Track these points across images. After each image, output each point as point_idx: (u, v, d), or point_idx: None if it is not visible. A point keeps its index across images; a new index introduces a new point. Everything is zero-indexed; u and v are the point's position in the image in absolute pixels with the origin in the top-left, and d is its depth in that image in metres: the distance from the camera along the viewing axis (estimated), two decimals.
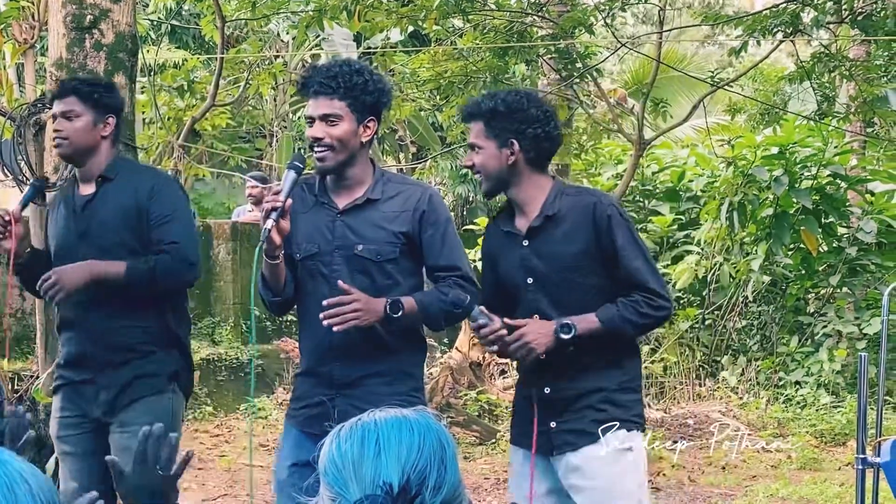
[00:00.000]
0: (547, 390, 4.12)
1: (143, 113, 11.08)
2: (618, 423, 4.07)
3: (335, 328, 3.97)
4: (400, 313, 4.01)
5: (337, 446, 1.97)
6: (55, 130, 4.56)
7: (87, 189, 4.59)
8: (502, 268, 4.22)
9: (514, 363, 4.71)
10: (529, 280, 4.14)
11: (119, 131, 4.69)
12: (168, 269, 4.45)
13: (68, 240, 4.55)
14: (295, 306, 4.40)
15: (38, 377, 6.46)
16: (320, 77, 4.14)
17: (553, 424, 4.09)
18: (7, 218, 4.42)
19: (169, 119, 10.25)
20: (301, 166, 4.13)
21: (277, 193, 4.00)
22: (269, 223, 3.93)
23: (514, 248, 4.19)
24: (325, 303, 3.99)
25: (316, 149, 4.12)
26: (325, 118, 4.10)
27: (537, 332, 3.99)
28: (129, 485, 2.61)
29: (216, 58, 9.98)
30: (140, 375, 4.54)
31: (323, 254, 4.19)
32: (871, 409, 5.12)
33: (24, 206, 4.61)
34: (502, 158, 4.13)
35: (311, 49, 16.77)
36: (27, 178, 5.80)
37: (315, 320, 4.17)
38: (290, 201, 3.99)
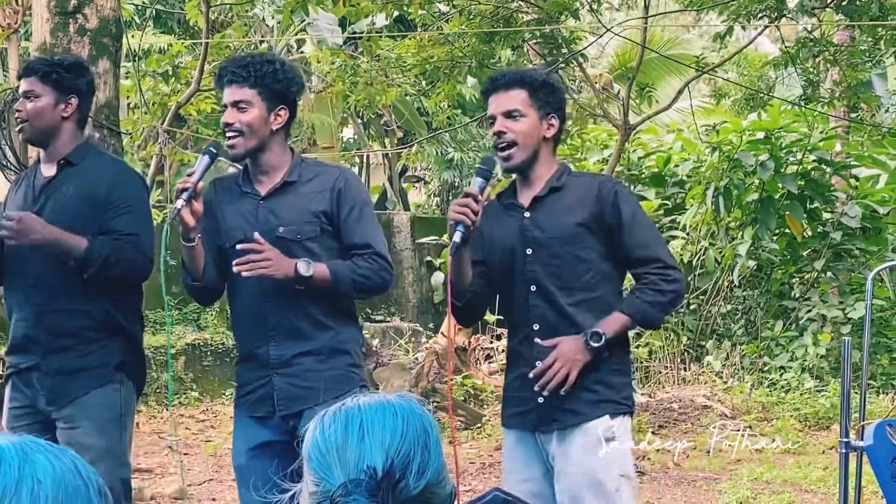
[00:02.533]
0: (538, 364, 4.06)
1: (128, 98, 11.06)
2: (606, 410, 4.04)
3: (244, 273, 4.03)
4: (311, 272, 4.05)
5: (321, 431, 1.97)
6: (16, 111, 4.48)
7: (49, 171, 4.48)
8: (499, 240, 4.16)
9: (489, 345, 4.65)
10: (529, 251, 4.10)
11: (84, 113, 4.58)
12: (127, 257, 4.36)
13: None
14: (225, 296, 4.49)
15: None
16: (232, 67, 4.26)
17: (541, 400, 4.05)
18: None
19: (154, 104, 10.22)
20: (215, 151, 4.22)
21: (191, 175, 4.09)
22: (180, 202, 4.01)
23: (514, 220, 4.16)
24: (239, 247, 4.06)
25: (227, 134, 4.22)
26: (235, 104, 4.20)
27: (569, 353, 3.95)
28: None
29: (201, 43, 9.96)
30: (85, 367, 4.41)
31: (248, 240, 4.21)
32: (855, 392, 5.15)
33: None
34: (541, 130, 4.13)
35: (296, 34, 16.75)
36: (10, 164, 5.76)
37: (247, 306, 4.30)
38: (202, 184, 4.07)
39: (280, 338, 4.25)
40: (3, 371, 6.32)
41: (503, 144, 4.10)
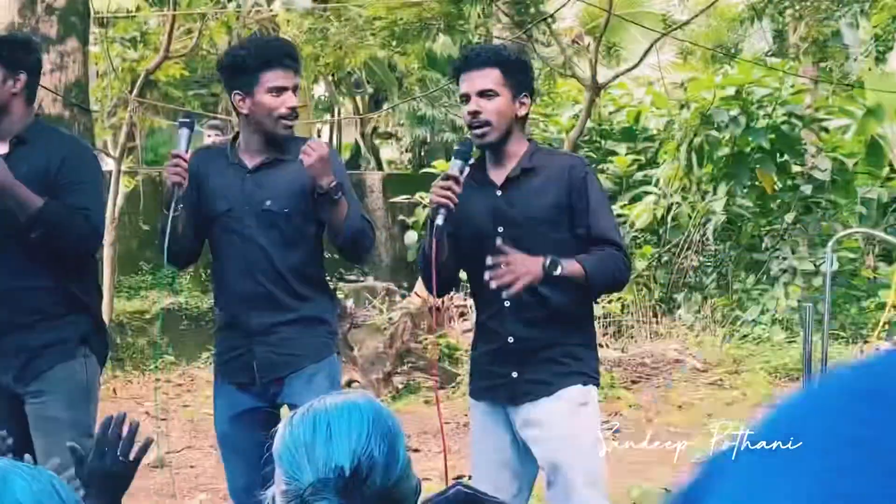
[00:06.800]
0: (510, 339, 4.19)
1: (96, 65, 11.03)
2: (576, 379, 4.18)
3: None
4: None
5: (290, 432, 2.05)
6: None
7: (1, 149, 4.44)
8: (470, 217, 4.21)
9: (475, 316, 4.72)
10: (500, 229, 4.18)
11: (33, 90, 4.55)
12: (77, 228, 4.37)
13: None
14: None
15: None
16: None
17: (514, 374, 4.18)
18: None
19: (122, 71, 10.20)
20: (190, 121, 4.46)
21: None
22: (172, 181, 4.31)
23: (486, 198, 4.22)
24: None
25: (287, 120, 4.38)
26: (289, 94, 4.33)
27: (524, 263, 3.96)
28: (91, 472, 2.68)
29: (169, 13, 9.93)
30: (50, 343, 4.45)
31: (235, 211, 4.40)
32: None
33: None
34: (514, 109, 4.19)
35: None
36: None
37: (229, 274, 4.47)
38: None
39: (260, 308, 4.38)
40: None
41: (478, 124, 4.14)
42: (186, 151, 4.28)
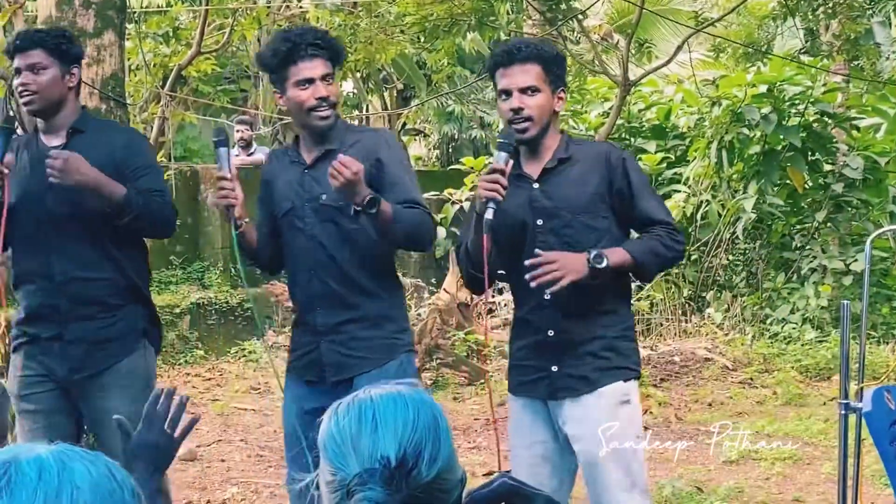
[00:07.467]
0: (550, 333, 4.17)
1: (129, 60, 11.06)
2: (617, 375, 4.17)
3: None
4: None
5: (335, 422, 2.05)
6: (22, 85, 4.43)
7: (55, 140, 4.49)
8: (509, 212, 4.16)
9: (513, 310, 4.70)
10: (539, 221, 4.17)
11: (80, 81, 4.61)
12: (160, 210, 4.44)
13: (35, 188, 4.40)
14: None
15: None
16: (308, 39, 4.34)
17: (555, 369, 4.16)
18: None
19: (154, 66, 10.24)
20: (224, 138, 4.34)
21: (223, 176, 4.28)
22: (228, 202, 4.28)
23: (523, 191, 4.20)
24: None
25: (319, 111, 4.34)
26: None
27: (569, 261, 3.98)
28: (137, 444, 2.71)
29: (201, 9, 9.96)
30: (112, 337, 4.48)
31: (297, 208, 4.39)
32: (855, 342, 5.21)
33: (4, 152, 4.35)
34: (552, 104, 4.21)
35: None
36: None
37: (297, 271, 4.45)
38: (234, 171, 4.28)
39: (326, 305, 4.36)
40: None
41: (521, 119, 4.13)
42: (229, 171, 4.23)
